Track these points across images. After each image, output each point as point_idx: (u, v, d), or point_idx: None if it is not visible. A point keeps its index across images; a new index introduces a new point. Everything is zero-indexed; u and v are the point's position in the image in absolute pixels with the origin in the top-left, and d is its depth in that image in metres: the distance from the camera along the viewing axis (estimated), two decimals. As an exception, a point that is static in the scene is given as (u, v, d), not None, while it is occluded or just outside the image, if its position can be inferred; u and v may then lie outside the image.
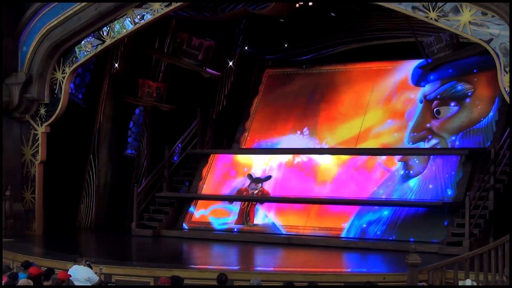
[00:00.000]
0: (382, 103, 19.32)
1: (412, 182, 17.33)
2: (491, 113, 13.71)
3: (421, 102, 17.72)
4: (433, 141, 14.57)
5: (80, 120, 21.00)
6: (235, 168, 19.70)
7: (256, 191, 18.34)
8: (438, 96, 15.61)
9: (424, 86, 17.66)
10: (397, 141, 17.31)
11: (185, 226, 19.11)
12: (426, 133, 15.27)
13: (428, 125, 15.13)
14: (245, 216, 18.21)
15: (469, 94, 14.96)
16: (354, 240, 17.19)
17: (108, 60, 20.86)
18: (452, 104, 15.06)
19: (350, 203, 17.77)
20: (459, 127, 14.90)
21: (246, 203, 18.41)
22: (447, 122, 14.79)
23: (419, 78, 17.06)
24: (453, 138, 14.12)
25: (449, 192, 16.90)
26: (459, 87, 14.72)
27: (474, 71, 14.75)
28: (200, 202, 19.55)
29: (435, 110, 15.91)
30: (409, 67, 19.10)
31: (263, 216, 18.15)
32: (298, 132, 20.12)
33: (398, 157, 17.52)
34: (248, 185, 18.80)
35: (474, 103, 15.26)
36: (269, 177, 18.38)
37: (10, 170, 19.12)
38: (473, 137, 14.17)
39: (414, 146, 15.09)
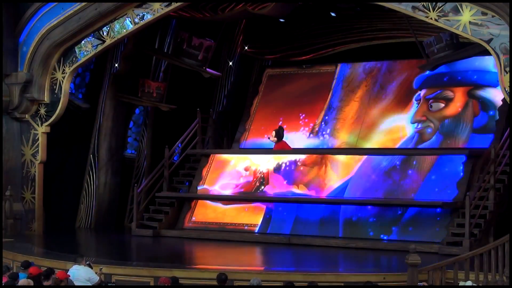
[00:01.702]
0: (383, 102, 19.51)
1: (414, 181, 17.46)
2: (462, 110, 17.96)
3: (416, 100, 18.87)
4: (426, 124, 18.26)
5: (80, 120, 21.02)
6: (234, 168, 19.70)
7: (271, 139, 19.35)
8: (433, 97, 18.66)
9: (422, 89, 19.06)
10: (400, 126, 18.90)
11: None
12: (422, 118, 18.38)
13: (424, 114, 18.44)
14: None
15: (452, 97, 18.31)
16: (354, 240, 17.19)
17: (108, 60, 20.86)
18: (441, 102, 18.39)
19: (350, 203, 17.78)
20: (444, 117, 18.18)
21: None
22: (437, 113, 18.27)
23: (421, 84, 19.06)
24: (439, 123, 18.15)
25: (449, 192, 16.91)
26: (446, 93, 18.42)
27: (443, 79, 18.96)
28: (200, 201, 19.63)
29: (429, 105, 18.62)
30: (409, 68, 19.47)
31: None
32: (298, 132, 20.12)
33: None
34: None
35: (454, 103, 18.34)
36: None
37: (10, 170, 19.13)
38: (451, 123, 17.97)
39: (413, 125, 18.59)
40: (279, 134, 19.39)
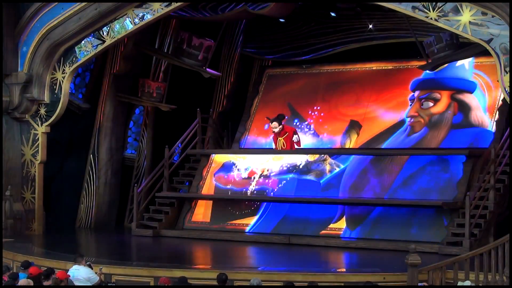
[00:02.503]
0: (382, 102, 19.66)
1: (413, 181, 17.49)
2: (446, 109, 19.05)
3: (411, 99, 19.44)
4: (417, 119, 19.27)
5: (80, 120, 21.01)
6: (234, 168, 19.70)
7: (277, 130, 19.23)
8: (424, 97, 19.45)
9: (416, 91, 19.62)
10: (396, 120, 19.60)
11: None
12: (415, 114, 19.29)
13: (416, 110, 19.37)
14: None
15: (439, 98, 19.19)
16: (354, 240, 17.20)
17: (108, 60, 20.87)
18: (431, 101, 19.29)
19: (350, 203, 17.79)
20: (431, 114, 19.10)
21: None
22: (426, 110, 19.24)
23: (415, 87, 19.70)
24: (427, 119, 19.20)
25: (449, 192, 16.90)
26: (434, 95, 19.38)
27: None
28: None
29: (421, 103, 19.43)
30: (407, 69, 19.76)
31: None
32: (298, 132, 20.10)
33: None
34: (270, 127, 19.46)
35: (440, 103, 19.20)
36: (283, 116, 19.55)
37: (10, 170, 19.12)
38: (437, 119, 19.01)
39: (407, 119, 19.48)
40: (280, 119, 19.21)
